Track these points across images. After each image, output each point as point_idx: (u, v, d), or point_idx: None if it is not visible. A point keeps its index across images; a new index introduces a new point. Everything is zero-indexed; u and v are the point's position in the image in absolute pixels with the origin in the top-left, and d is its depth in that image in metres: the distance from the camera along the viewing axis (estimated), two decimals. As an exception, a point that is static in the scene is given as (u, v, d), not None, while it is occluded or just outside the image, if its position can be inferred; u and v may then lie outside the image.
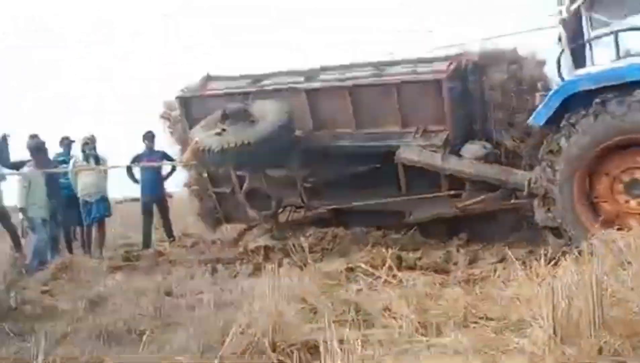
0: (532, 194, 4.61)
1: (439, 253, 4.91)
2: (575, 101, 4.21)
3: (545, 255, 3.61)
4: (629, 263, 3.02)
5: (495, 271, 4.23)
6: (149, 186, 8.55)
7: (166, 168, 8.59)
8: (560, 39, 4.44)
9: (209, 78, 7.47)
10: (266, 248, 6.06)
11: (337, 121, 6.40)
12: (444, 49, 6.27)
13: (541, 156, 4.50)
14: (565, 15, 4.35)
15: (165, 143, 8.37)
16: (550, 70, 5.72)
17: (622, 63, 4.24)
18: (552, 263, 3.46)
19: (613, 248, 3.30)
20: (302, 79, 6.71)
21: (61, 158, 8.42)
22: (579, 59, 4.53)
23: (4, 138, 7.56)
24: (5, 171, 7.67)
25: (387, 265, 4.33)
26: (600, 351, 2.34)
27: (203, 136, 6.00)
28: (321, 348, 2.37)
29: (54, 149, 8.45)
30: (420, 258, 4.82)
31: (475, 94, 6.07)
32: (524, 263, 3.77)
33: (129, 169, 8.57)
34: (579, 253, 3.16)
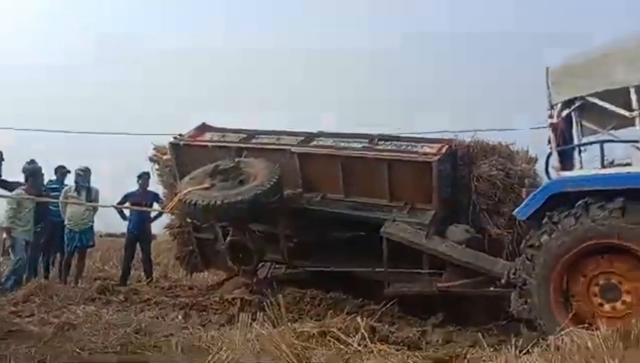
0: (511, 285, 4.70)
1: (413, 329, 4.89)
2: (559, 201, 4.38)
3: (516, 345, 3.67)
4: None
5: (465, 355, 4.22)
6: (136, 224, 8.62)
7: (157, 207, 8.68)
8: (549, 141, 4.69)
9: (204, 127, 7.60)
10: (242, 300, 6.03)
11: (327, 185, 6.51)
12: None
13: (522, 249, 4.62)
14: (555, 119, 4.63)
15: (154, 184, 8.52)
16: (540, 167, 6.02)
17: (606, 171, 4.46)
18: (523, 353, 3.51)
19: (581, 346, 3.35)
20: (296, 140, 6.85)
21: (54, 186, 8.52)
22: (566, 161, 4.77)
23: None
24: None
25: (360, 334, 4.33)
26: None
27: (191, 188, 6.00)
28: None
29: (49, 176, 8.58)
30: (394, 332, 4.80)
31: (463, 180, 6.30)
32: (495, 350, 3.80)
33: (118, 210, 8.66)
34: (547, 347, 3.21)
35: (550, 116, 4.62)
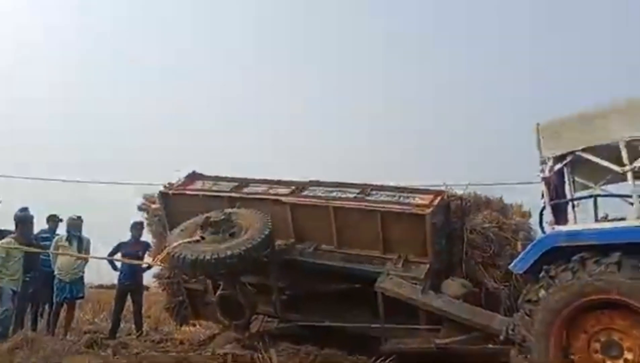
0: (510, 341, 4.60)
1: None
2: (555, 255, 4.37)
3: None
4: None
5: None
6: (127, 275, 8.48)
7: (147, 259, 8.56)
8: (542, 195, 4.73)
9: (194, 176, 7.56)
10: (234, 355, 5.85)
11: (319, 236, 6.45)
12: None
13: (520, 304, 4.55)
14: (547, 174, 4.68)
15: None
16: (534, 221, 6.05)
17: (600, 226, 4.48)
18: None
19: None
20: (288, 190, 6.82)
21: (45, 235, 8.43)
22: (560, 215, 4.79)
23: None
24: None
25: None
26: None
27: (180, 241, 5.90)
28: None
29: (41, 225, 8.51)
30: (390, 391, 4.66)
31: (456, 232, 6.28)
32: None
33: (110, 259, 8.56)
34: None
35: (542, 171, 4.67)
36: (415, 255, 6.01)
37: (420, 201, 6.13)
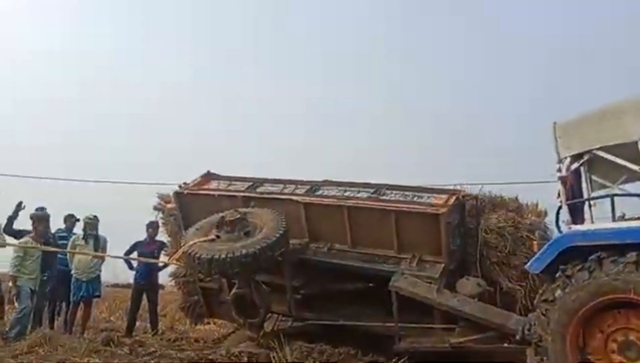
0: (526, 341, 4.57)
1: (425, 388, 4.74)
2: (572, 254, 4.33)
3: (533, 405, 3.54)
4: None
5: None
6: (143, 274, 8.58)
7: (163, 258, 8.65)
8: (559, 195, 4.69)
9: (209, 175, 7.62)
10: (249, 354, 5.87)
11: (333, 236, 6.45)
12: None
13: (536, 304, 4.52)
14: (564, 173, 4.65)
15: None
16: (550, 220, 6.00)
17: (617, 225, 4.43)
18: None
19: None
20: (303, 189, 6.84)
21: (62, 234, 8.56)
22: (576, 214, 4.75)
23: (19, 205, 7.77)
24: (7, 238, 7.80)
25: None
26: None
27: (196, 240, 5.95)
28: None
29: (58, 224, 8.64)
30: (405, 390, 4.66)
31: (471, 232, 6.24)
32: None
33: (126, 258, 8.66)
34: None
35: (559, 170, 4.63)
36: (430, 254, 5.98)
37: (435, 201, 6.10)
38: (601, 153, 4.51)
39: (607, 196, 4.71)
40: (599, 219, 4.78)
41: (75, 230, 8.77)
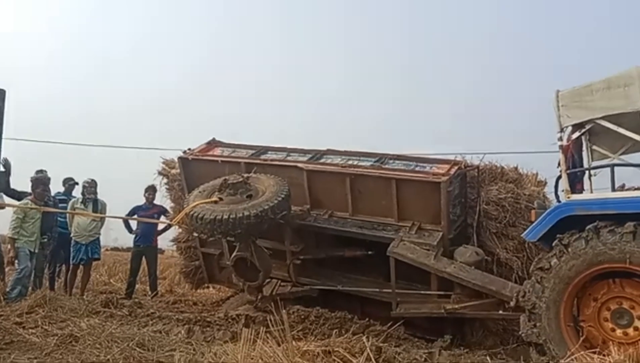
0: (520, 308, 4.63)
1: (420, 351, 4.81)
2: (569, 223, 4.34)
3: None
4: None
5: (473, 379, 4.15)
6: (142, 237, 8.63)
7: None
8: (559, 164, 4.67)
9: (214, 142, 7.66)
10: (247, 317, 5.96)
11: (335, 203, 6.50)
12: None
13: (532, 271, 4.56)
14: (564, 142, 4.61)
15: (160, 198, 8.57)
16: (549, 190, 6.00)
17: (617, 195, 4.42)
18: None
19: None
20: (306, 157, 6.88)
21: (61, 197, 8.56)
22: (576, 184, 4.74)
23: (6, 163, 7.60)
24: (6, 198, 7.77)
25: (365, 354, 4.26)
26: None
27: (198, 202, 6.00)
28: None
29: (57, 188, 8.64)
30: (400, 353, 4.72)
31: (472, 202, 6.26)
32: (502, 374, 3.72)
33: (125, 222, 8.69)
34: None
35: (560, 139, 4.59)
36: (429, 222, 6.03)
37: (436, 170, 6.12)
38: (604, 123, 4.46)
39: (607, 165, 4.69)
40: (598, 190, 4.78)
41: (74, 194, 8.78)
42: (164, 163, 8.20)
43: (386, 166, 6.46)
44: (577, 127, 4.66)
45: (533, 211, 4.82)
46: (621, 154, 4.86)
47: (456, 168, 6.14)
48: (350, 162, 6.62)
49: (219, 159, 7.19)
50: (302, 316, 5.81)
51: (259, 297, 6.65)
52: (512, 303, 4.78)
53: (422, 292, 5.82)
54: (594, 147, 5.05)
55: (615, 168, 4.52)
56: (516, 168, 6.59)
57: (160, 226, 8.69)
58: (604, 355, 3.69)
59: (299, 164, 6.66)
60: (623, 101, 4.31)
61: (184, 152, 7.45)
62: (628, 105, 4.28)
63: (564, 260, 4.25)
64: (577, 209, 4.34)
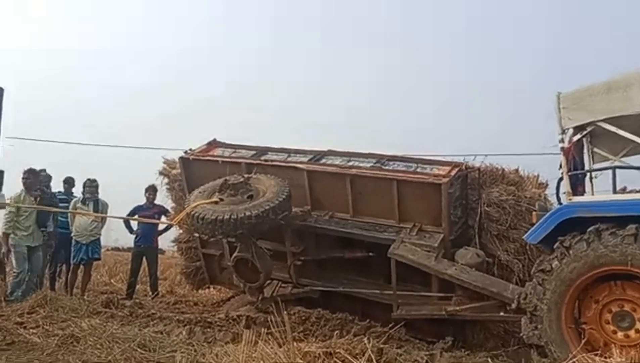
0: (521, 310, 4.63)
1: (421, 353, 4.81)
2: (571, 225, 4.35)
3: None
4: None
5: (474, 381, 4.15)
6: (143, 237, 8.63)
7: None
8: (561, 166, 4.67)
9: (215, 143, 7.65)
10: (248, 318, 5.96)
11: (335, 204, 6.50)
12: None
13: (533, 273, 4.56)
14: (566, 144, 4.62)
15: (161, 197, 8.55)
16: (550, 192, 5.99)
17: (618, 197, 4.43)
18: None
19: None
20: (306, 158, 6.88)
21: (61, 197, 8.55)
22: (577, 186, 4.74)
23: None
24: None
25: (366, 355, 4.26)
26: None
27: (199, 202, 5.99)
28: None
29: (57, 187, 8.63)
30: (401, 355, 4.73)
31: (473, 204, 6.26)
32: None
33: (126, 222, 8.68)
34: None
35: (562, 141, 4.60)
36: (430, 224, 6.03)
37: (437, 172, 6.12)
38: (605, 125, 4.46)
39: (608, 168, 4.69)
40: (599, 192, 4.78)
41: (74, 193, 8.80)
42: (165, 163, 8.19)
43: (386, 167, 6.46)
44: (578, 129, 4.66)
45: (534, 213, 4.82)
46: (622, 157, 4.86)
47: (457, 169, 6.14)
48: (350, 163, 6.62)
49: (220, 159, 7.19)
50: (303, 318, 5.82)
51: (260, 298, 6.65)
52: (513, 305, 4.77)
53: (423, 294, 5.82)
54: (595, 149, 5.06)
55: (617, 171, 4.53)
56: (517, 170, 6.60)
57: (161, 227, 8.69)
58: (605, 358, 3.68)
59: (299, 165, 6.66)
60: (624, 104, 4.32)
61: (185, 152, 7.45)
62: (629, 108, 4.29)
63: (566, 262, 4.25)
64: (578, 212, 4.34)
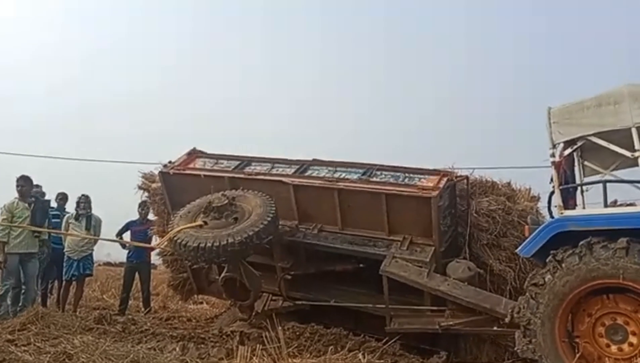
0: (515, 324, 4.64)
1: (415, 368, 4.82)
2: (563, 239, 4.38)
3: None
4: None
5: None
6: (136, 253, 8.58)
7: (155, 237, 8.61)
8: (552, 180, 4.72)
9: (194, 153, 7.42)
10: (242, 333, 5.91)
11: (324, 217, 6.39)
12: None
13: (526, 287, 4.58)
14: (557, 158, 4.67)
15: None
16: (542, 205, 6.04)
17: (609, 211, 4.47)
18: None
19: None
20: (291, 169, 6.70)
21: (54, 213, 8.49)
22: (568, 199, 4.79)
23: None
24: None
25: (361, 371, 4.25)
26: None
27: (182, 227, 5.83)
28: None
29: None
30: (395, 370, 4.73)
31: (462, 213, 6.25)
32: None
33: (119, 236, 8.62)
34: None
35: (552, 155, 4.65)
36: (421, 236, 5.97)
37: (426, 183, 6.04)
38: (595, 139, 4.52)
39: (599, 181, 4.74)
40: (590, 205, 4.83)
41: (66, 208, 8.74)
42: (143, 176, 7.95)
43: (374, 178, 6.31)
44: (569, 143, 4.71)
45: (527, 227, 4.86)
46: (612, 170, 4.92)
47: (446, 179, 6.07)
48: (337, 174, 6.47)
49: (202, 173, 6.97)
50: (297, 333, 5.77)
51: (253, 314, 6.59)
52: (507, 320, 4.79)
53: (416, 307, 5.80)
54: (586, 163, 5.12)
55: (607, 184, 4.58)
56: (509, 184, 6.63)
57: (149, 247, 8.53)
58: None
59: (285, 179, 6.50)
60: (613, 118, 4.38)
61: (165, 166, 7.23)
62: (618, 122, 4.35)
63: (558, 276, 4.27)
64: (570, 225, 4.38)
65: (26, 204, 7.26)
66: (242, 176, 6.77)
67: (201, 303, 9.56)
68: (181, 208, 6.34)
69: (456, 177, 6.26)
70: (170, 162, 7.28)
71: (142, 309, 8.59)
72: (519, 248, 4.78)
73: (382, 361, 4.81)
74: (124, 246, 8.76)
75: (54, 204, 8.72)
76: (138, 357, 4.58)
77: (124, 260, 9.13)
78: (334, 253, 6.28)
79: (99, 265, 11.09)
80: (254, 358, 4.52)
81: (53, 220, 8.23)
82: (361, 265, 6.17)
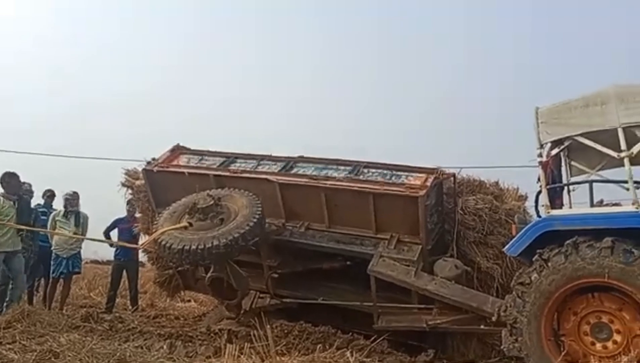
0: (502, 323, 4.68)
1: (402, 366, 4.84)
2: (549, 238, 4.42)
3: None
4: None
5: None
6: (123, 251, 8.51)
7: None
8: (539, 179, 4.76)
9: (178, 149, 7.28)
10: (230, 332, 5.90)
11: (311, 215, 6.34)
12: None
13: (513, 286, 4.62)
14: (544, 158, 4.71)
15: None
16: (529, 204, 6.09)
17: (595, 211, 4.53)
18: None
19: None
20: (277, 167, 6.62)
21: (42, 209, 8.39)
22: (555, 199, 4.84)
23: None
24: None
25: (349, 369, 4.26)
26: None
27: (167, 228, 5.75)
28: None
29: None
30: (383, 368, 4.74)
31: (449, 211, 6.26)
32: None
33: (106, 235, 8.54)
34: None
35: (540, 155, 4.69)
36: (408, 234, 5.96)
37: (413, 181, 6.01)
38: (582, 139, 4.57)
39: (585, 181, 4.80)
40: (577, 205, 4.88)
41: (54, 205, 8.65)
42: (126, 173, 7.83)
43: (361, 176, 6.26)
44: (556, 143, 4.76)
45: (514, 226, 4.90)
46: (599, 170, 4.98)
47: (433, 177, 6.04)
48: (324, 172, 6.40)
49: (186, 171, 6.85)
50: (286, 331, 5.77)
51: (241, 313, 6.56)
52: (493, 318, 4.82)
53: (403, 306, 5.81)
54: (573, 163, 5.18)
55: (594, 184, 4.63)
56: (497, 183, 6.67)
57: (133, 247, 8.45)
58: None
59: (270, 177, 6.40)
60: (600, 119, 4.43)
61: (148, 163, 7.10)
62: (605, 123, 4.40)
63: (544, 274, 4.32)
64: (556, 225, 4.42)
65: (11, 202, 7.14)
66: (227, 174, 6.68)
67: (189, 301, 9.52)
68: (166, 207, 6.25)
69: (443, 175, 6.26)
70: (153, 159, 7.14)
71: (130, 307, 8.54)
72: (506, 247, 4.82)
73: (370, 359, 4.82)
74: (112, 244, 8.68)
75: (41, 201, 8.63)
76: (125, 355, 4.55)
77: (112, 257, 9.06)
78: (322, 251, 6.26)
79: (86, 262, 10.98)
80: (242, 356, 4.50)
81: (41, 217, 8.13)
82: (348, 263, 6.16)
